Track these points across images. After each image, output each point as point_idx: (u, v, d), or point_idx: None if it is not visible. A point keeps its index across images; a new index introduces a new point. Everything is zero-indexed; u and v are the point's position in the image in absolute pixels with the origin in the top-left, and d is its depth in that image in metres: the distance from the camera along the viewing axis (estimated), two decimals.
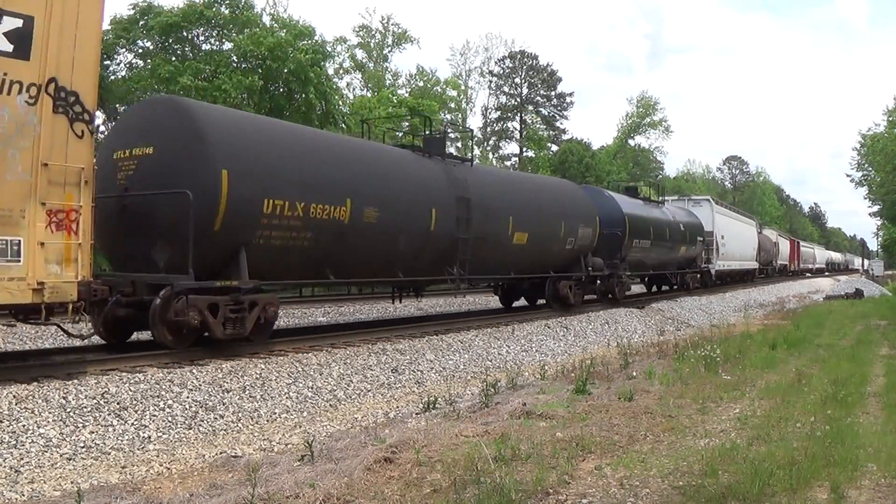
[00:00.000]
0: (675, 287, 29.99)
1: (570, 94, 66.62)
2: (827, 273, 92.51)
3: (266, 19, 32.90)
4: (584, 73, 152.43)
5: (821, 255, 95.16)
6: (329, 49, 34.12)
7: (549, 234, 18.14)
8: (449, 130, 51.35)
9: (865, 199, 47.94)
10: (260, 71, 29.46)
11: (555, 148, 56.63)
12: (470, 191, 15.29)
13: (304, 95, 30.28)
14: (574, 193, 20.77)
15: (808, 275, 76.71)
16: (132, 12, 30.16)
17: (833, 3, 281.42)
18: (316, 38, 32.13)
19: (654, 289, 30.93)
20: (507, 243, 16.60)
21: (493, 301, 23.46)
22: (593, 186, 28.89)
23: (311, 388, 10.29)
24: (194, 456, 7.48)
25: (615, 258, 21.49)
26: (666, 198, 33.10)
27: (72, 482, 6.42)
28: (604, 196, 22.85)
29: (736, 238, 37.50)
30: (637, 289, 30.86)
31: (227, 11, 30.74)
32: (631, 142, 64.37)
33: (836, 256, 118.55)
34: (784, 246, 62.02)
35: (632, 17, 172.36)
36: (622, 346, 14.74)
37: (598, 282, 21.63)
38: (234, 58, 30.06)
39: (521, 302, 21.32)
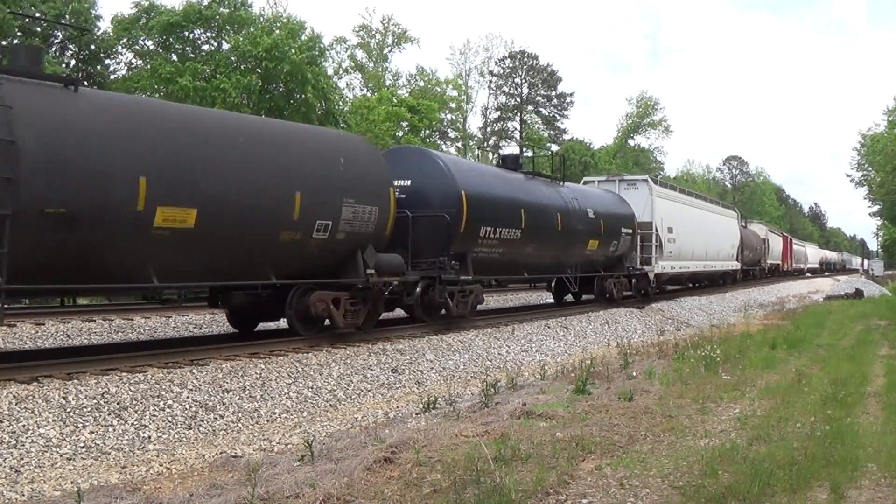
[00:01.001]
0: (580, 296, 23.34)
1: (571, 94, 66.86)
2: (822, 273, 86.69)
3: (260, 17, 32.87)
4: (584, 73, 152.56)
5: (814, 253, 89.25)
6: (324, 45, 34.03)
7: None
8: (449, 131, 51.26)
9: (865, 199, 48.01)
10: (258, 71, 29.48)
11: (555, 147, 56.59)
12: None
13: (302, 95, 30.29)
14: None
15: (808, 275, 74.73)
16: (134, 11, 30.17)
17: (832, 3, 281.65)
18: (307, 31, 32.09)
19: (563, 298, 23.43)
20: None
21: (493, 301, 23.60)
22: (415, 147, 22.20)
23: (311, 388, 10.29)
24: (194, 456, 7.48)
25: (443, 254, 14.80)
26: (592, 178, 27.40)
27: (72, 482, 6.42)
28: (427, 161, 15.59)
29: (697, 232, 29.14)
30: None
31: (225, 11, 30.75)
32: (631, 142, 64.38)
33: (831, 255, 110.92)
34: (776, 243, 55.97)
35: (631, 18, 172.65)
36: (622, 346, 14.74)
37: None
38: (234, 58, 30.07)
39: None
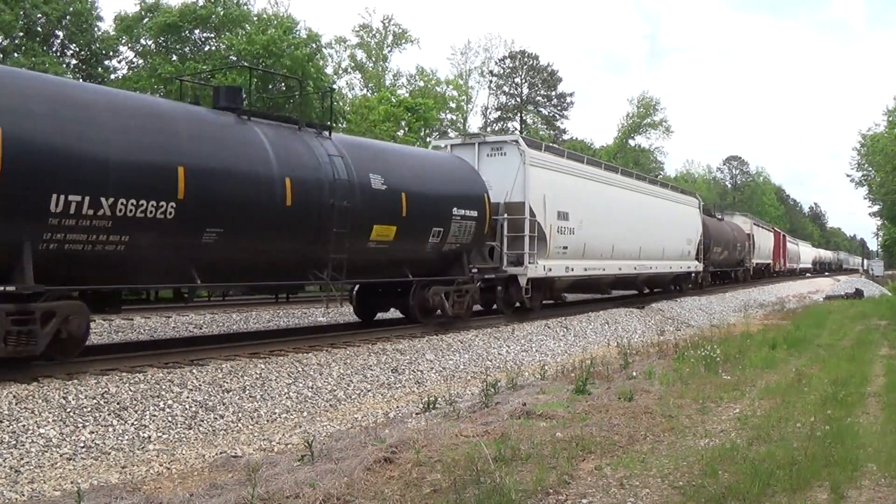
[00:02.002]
0: (373, 313, 16.16)
1: (571, 95, 66.80)
2: (814, 273, 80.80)
3: (256, 17, 32.91)
4: (583, 73, 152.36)
5: (808, 252, 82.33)
6: (321, 44, 34.07)
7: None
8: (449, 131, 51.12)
9: (865, 199, 48.01)
10: (257, 70, 29.44)
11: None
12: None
13: (302, 93, 30.26)
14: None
15: (809, 275, 73.56)
16: (137, 9, 30.21)
17: (831, 3, 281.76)
18: (302, 29, 32.14)
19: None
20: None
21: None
22: None
23: (311, 388, 10.29)
24: (194, 456, 7.48)
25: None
26: (442, 141, 19.52)
27: (72, 482, 6.42)
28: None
29: (620, 220, 21.74)
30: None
31: (221, 12, 30.76)
32: (631, 142, 64.36)
33: (826, 255, 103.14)
34: (764, 239, 48.84)
35: (630, 18, 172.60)
36: (622, 346, 14.74)
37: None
38: (234, 58, 30.08)
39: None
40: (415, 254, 14.20)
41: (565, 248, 18.71)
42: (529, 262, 16.73)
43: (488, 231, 15.96)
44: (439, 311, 14.94)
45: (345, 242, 12.14)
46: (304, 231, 11.71)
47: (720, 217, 38.52)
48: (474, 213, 15.29)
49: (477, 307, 17.20)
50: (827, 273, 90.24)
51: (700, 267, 30.35)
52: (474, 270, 15.65)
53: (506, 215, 16.83)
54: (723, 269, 37.55)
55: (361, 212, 12.48)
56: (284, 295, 19.04)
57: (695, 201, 31.06)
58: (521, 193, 16.89)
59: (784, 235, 62.97)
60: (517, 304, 17.40)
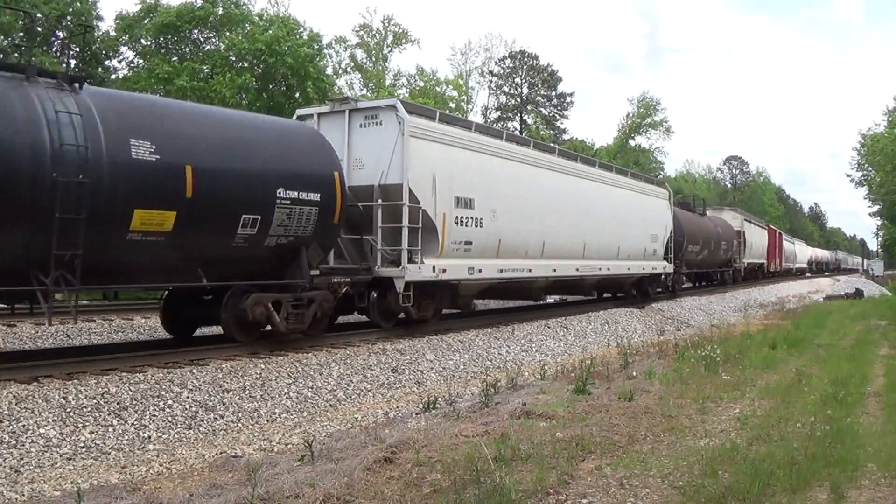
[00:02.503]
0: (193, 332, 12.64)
1: (571, 94, 66.69)
2: (810, 274, 76.23)
3: (258, 19, 32.92)
4: (582, 73, 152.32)
5: (803, 251, 76.48)
6: (323, 43, 34.09)
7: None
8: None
9: (865, 199, 48.03)
10: (259, 69, 29.46)
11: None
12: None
13: (302, 92, 30.29)
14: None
15: (809, 275, 72.48)
16: (138, 9, 30.22)
17: (830, 4, 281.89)
18: (305, 30, 32.14)
19: None
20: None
21: (493, 301, 22.23)
22: None
23: (311, 388, 10.29)
24: (194, 456, 7.48)
25: None
26: (308, 110, 14.98)
27: (72, 482, 6.42)
28: None
29: (550, 212, 17.67)
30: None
31: (220, 12, 30.77)
32: (631, 142, 64.34)
33: (822, 254, 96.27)
34: (757, 237, 44.88)
35: (629, 18, 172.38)
36: (622, 346, 14.75)
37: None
38: (234, 57, 30.07)
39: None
40: (217, 250, 10.53)
41: (468, 243, 14.65)
42: (410, 262, 13.18)
43: (340, 220, 12.14)
44: (272, 325, 11.48)
45: (79, 233, 8.65)
46: (11, 218, 8.40)
47: (701, 211, 34.61)
48: (315, 197, 11.47)
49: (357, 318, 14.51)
50: (827, 273, 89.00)
51: (670, 268, 26.03)
52: (316, 272, 12.13)
53: (380, 201, 13.19)
54: (703, 269, 33.35)
55: (111, 191, 9.01)
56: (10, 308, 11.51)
57: (664, 192, 26.88)
58: (399, 173, 13.19)
59: (780, 234, 58.61)
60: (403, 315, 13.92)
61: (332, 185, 11.95)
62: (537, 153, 18.23)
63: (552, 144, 24.20)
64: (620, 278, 22.87)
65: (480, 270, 15.10)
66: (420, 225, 13.38)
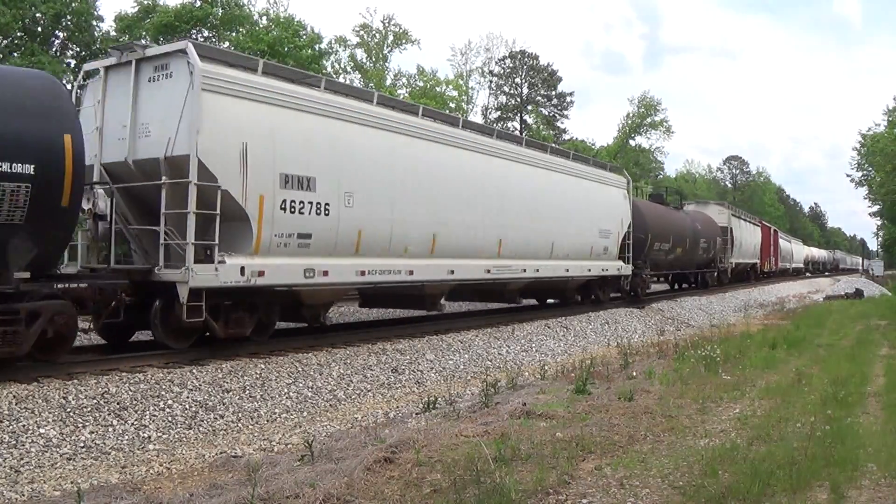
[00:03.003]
0: None
1: (571, 94, 66.53)
2: (806, 274, 72.16)
3: (261, 19, 32.96)
4: (580, 73, 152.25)
5: (799, 251, 71.43)
6: (326, 46, 34.14)
7: None
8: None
9: (865, 199, 48.05)
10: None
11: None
12: None
13: None
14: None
15: (808, 275, 71.28)
16: (136, 9, 30.21)
17: (828, 4, 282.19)
18: (308, 30, 32.17)
19: None
20: None
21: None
22: None
23: (311, 388, 10.29)
24: (194, 456, 7.49)
25: None
26: (94, 63, 11.86)
27: (72, 482, 6.42)
28: None
29: (445, 199, 14.43)
30: None
31: (219, 12, 30.77)
32: (631, 142, 64.33)
33: (818, 254, 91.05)
34: (748, 235, 40.86)
35: (627, 18, 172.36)
36: (622, 346, 14.75)
37: None
38: None
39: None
40: None
41: (304, 236, 11.20)
42: (203, 261, 10.03)
43: (71, 203, 8.83)
44: None
45: None
46: None
47: (677, 205, 30.97)
48: (26, 169, 8.33)
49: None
50: (826, 273, 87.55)
51: (628, 269, 22.25)
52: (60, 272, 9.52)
53: (165, 179, 10.01)
54: (677, 270, 29.43)
55: None
56: None
57: (620, 180, 22.61)
58: (187, 140, 9.91)
59: (775, 231, 54.36)
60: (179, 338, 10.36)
61: (56, 153, 8.65)
62: (429, 124, 14.48)
63: (456, 115, 19.97)
64: (557, 282, 19.15)
65: (326, 273, 11.55)
66: (219, 211, 10.01)
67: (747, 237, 40.53)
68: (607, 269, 21.29)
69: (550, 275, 18.31)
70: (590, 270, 20.40)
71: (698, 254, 30.09)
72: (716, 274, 33.45)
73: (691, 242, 28.73)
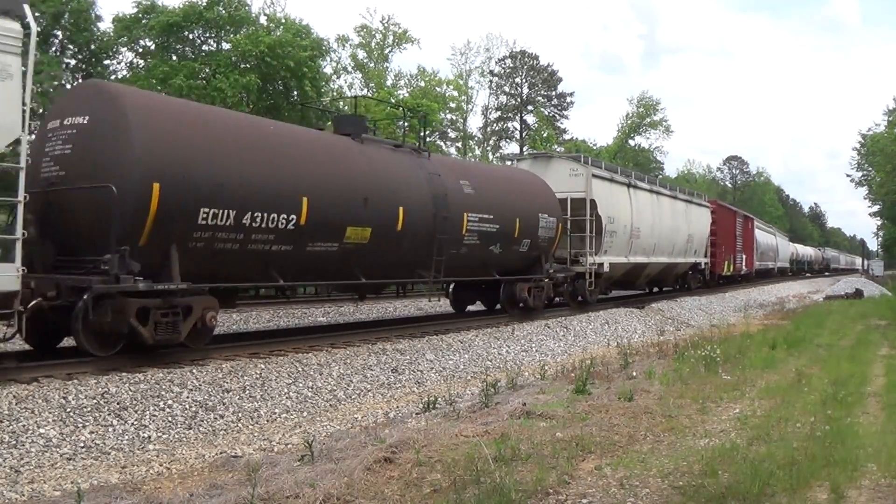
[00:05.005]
0: None
1: (571, 95, 66.71)
2: (809, 275, 65.27)
3: (263, 20, 32.93)
4: (579, 73, 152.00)
5: (784, 248, 61.47)
6: (328, 47, 34.10)
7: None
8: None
9: (865, 199, 48.10)
10: (260, 69, 29.44)
11: (560, 149, 56.52)
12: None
13: (300, 91, 30.28)
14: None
15: (808, 275, 67.43)
16: (135, 10, 30.16)
17: (826, 4, 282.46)
18: (313, 35, 32.16)
19: None
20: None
21: None
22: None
23: (311, 388, 10.29)
24: (194, 456, 7.48)
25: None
26: None
27: (72, 482, 6.42)
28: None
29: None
30: None
31: (224, 12, 30.74)
32: (631, 142, 64.33)
33: (805, 251, 79.14)
34: (665, 217, 25.44)
35: (625, 18, 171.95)
36: (622, 346, 14.74)
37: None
38: (234, 58, 30.05)
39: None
40: None
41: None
42: None
43: None
44: None
45: None
46: None
47: (417, 147, 15.29)
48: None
49: None
50: (809, 274, 75.40)
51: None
52: None
53: None
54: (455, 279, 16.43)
55: None
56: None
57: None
58: None
59: (748, 219, 41.08)
60: None
61: None
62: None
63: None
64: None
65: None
66: None
67: (667, 222, 25.48)
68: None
69: None
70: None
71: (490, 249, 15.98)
72: (527, 291, 17.13)
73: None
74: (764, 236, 48.28)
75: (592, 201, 19.97)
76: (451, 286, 18.45)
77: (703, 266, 31.15)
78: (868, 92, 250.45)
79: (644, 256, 24.07)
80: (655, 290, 29.56)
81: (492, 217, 15.90)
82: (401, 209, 13.46)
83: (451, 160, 17.21)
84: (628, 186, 23.05)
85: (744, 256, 38.87)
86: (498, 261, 16.64)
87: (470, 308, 19.51)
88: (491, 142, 59.84)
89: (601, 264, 20.60)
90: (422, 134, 22.39)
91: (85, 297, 9.01)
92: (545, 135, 55.25)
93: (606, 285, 22.54)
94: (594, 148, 58.12)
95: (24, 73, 8.22)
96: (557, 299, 19.79)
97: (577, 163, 20.78)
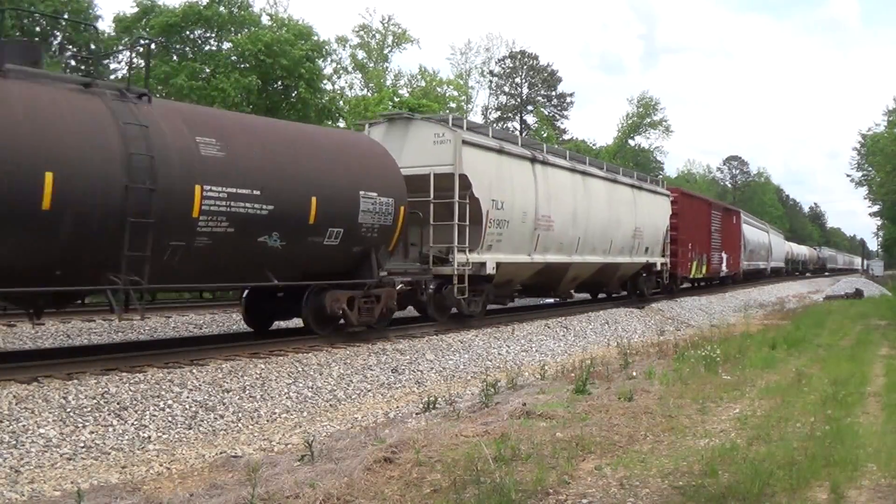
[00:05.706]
0: None
1: (571, 95, 66.82)
2: (807, 275, 61.58)
3: (265, 19, 32.94)
4: (579, 73, 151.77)
5: (779, 246, 56.37)
6: (328, 48, 34.09)
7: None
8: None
9: (865, 199, 48.11)
10: (259, 69, 29.44)
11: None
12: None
13: (297, 91, 30.29)
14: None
15: (807, 275, 67.36)
16: (135, 10, 30.18)
17: (826, 4, 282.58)
18: (314, 37, 32.17)
19: None
20: None
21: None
22: None
23: (311, 388, 10.29)
24: (194, 456, 7.48)
25: None
26: None
27: (72, 482, 6.41)
28: None
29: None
30: None
31: (224, 11, 30.74)
32: (631, 142, 64.35)
33: (800, 250, 73.59)
34: (644, 210, 23.19)
35: (625, 18, 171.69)
36: (622, 346, 14.73)
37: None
38: (234, 58, 30.05)
39: None
40: None
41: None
42: None
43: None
44: None
45: None
46: None
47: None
48: None
49: None
50: (827, 274, 77.79)
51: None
52: None
53: None
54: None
55: None
56: None
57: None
58: None
59: (731, 213, 36.93)
60: None
61: None
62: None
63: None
64: None
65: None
66: None
67: (572, 205, 18.66)
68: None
69: None
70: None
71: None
72: (371, 298, 13.05)
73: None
74: (754, 233, 43.08)
75: (464, 177, 14.57)
76: (245, 293, 13.16)
77: (659, 267, 25.17)
78: (868, 92, 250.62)
79: (563, 255, 18.33)
80: (601, 296, 24.36)
81: (258, 193, 10.59)
82: (48, 176, 8.43)
83: (188, 108, 11.99)
84: (532, 161, 17.10)
85: (725, 256, 33.56)
86: (280, 259, 11.24)
87: (281, 325, 14.46)
88: None
89: (481, 264, 15.18)
90: None
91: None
92: (545, 135, 55.22)
93: (503, 293, 17.37)
94: (594, 148, 58.14)
95: None
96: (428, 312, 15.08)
97: (443, 126, 15.10)
